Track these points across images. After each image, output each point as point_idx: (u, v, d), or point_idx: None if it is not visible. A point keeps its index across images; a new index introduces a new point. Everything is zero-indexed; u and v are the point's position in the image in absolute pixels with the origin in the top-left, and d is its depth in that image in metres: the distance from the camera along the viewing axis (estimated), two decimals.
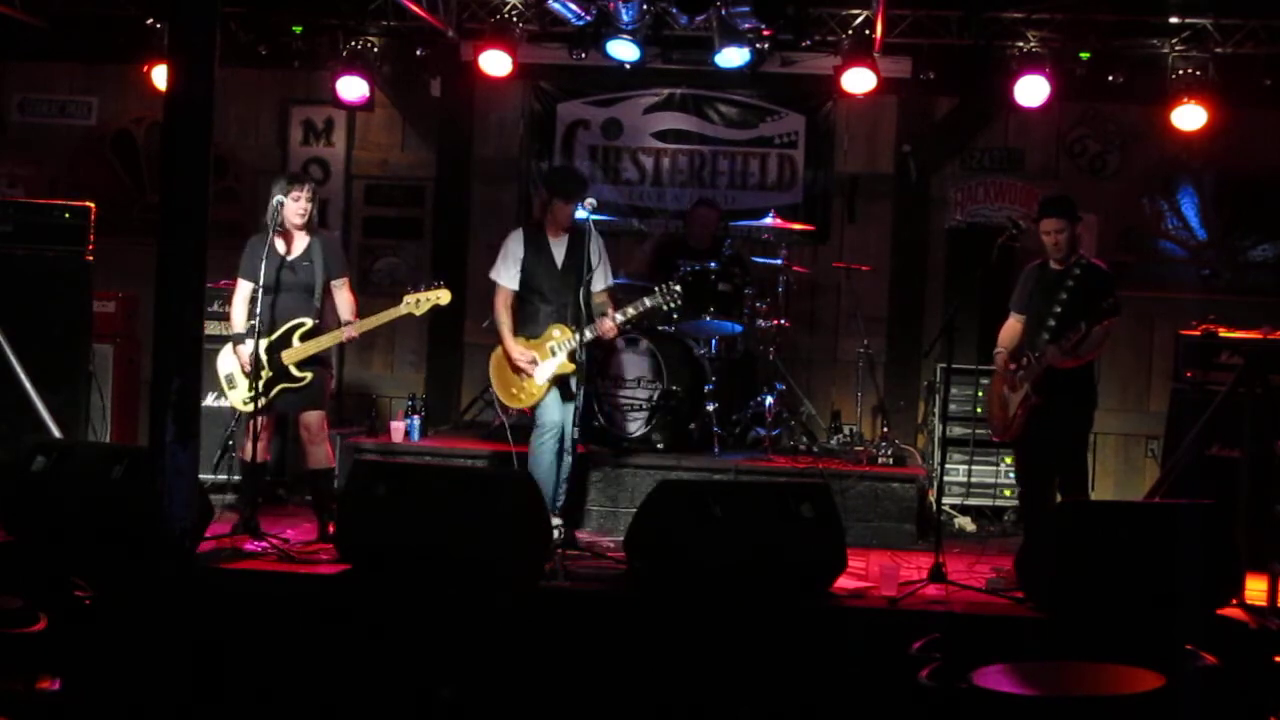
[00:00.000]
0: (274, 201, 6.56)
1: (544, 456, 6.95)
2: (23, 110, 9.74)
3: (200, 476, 6.30)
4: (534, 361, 6.93)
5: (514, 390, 7.05)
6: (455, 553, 5.86)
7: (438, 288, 6.83)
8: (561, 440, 6.99)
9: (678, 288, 7.01)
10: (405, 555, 5.91)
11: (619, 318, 6.96)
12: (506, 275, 7.04)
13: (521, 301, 7.07)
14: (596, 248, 6.94)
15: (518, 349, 6.95)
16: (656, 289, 7.01)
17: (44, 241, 7.87)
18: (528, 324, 7.04)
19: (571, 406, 6.92)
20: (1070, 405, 6.40)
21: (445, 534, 5.93)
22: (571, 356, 6.84)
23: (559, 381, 6.97)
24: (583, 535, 7.11)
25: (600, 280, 7.01)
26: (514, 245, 7.06)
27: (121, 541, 5.76)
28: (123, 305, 8.43)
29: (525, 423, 8.60)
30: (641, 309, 7.01)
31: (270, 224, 6.53)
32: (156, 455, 5.50)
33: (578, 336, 6.75)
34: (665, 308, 7.09)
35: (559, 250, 7.03)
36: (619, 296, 7.84)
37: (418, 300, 6.79)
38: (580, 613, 5.73)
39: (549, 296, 7.00)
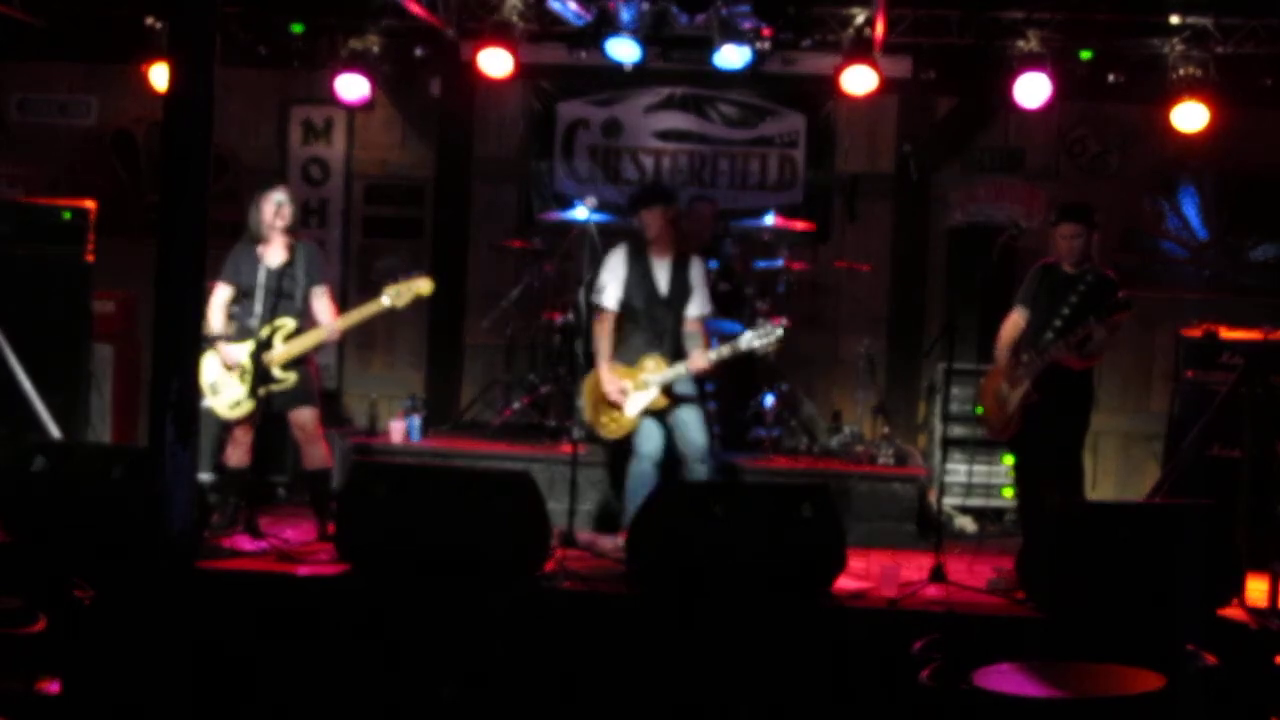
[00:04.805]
0: (256, 209, 6.65)
1: (641, 484, 6.57)
2: (23, 110, 9.73)
3: (200, 476, 6.32)
4: (625, 392, 6.60)
5: (604, 419, 6.70)
6: (455, 553, 5.86)
7: (417, 278, 6.74)
8: (666, 464, 6.66)
9: (779, 331, 6.53)
10: (405, 555, 5.91)
11: (713, 356, 6.54)
12: (608, 296, 6.71)
13: (619, 324, 6.75)
14: (698, 272, 6.73)
15: (611, 378, 6.60)
16: (756, 328, 6.58)
17: (44, 241, 7.86)
18: (622, 349, 6.71)
19: (665, 429, 6.63)
20: (1068, 404, 6.40)
21: (445, 534, 5.93)
22: (666, 391, 6.59)
23: (652, 411, 6.66)
24: (583, 535, 7.10)
25: (695, 306, 6.73)
26: (616, 262, 6.75)
27: (121, 541, 5.75)
28: (123, 305, 8.41)
29: (522, 422, 8.68)
30: (736, 350, 6.57)
31: (254, 231, 6.64)
32: (156, 455, 5.51)
33: (671, 370, 6.52)
34: (765, 350, 6.64)
35: (662, 274, 6.72)
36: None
37: (397, 292, 6.69)
38: (580, 613, 5.73)
39: (646, 323, 6.69)
